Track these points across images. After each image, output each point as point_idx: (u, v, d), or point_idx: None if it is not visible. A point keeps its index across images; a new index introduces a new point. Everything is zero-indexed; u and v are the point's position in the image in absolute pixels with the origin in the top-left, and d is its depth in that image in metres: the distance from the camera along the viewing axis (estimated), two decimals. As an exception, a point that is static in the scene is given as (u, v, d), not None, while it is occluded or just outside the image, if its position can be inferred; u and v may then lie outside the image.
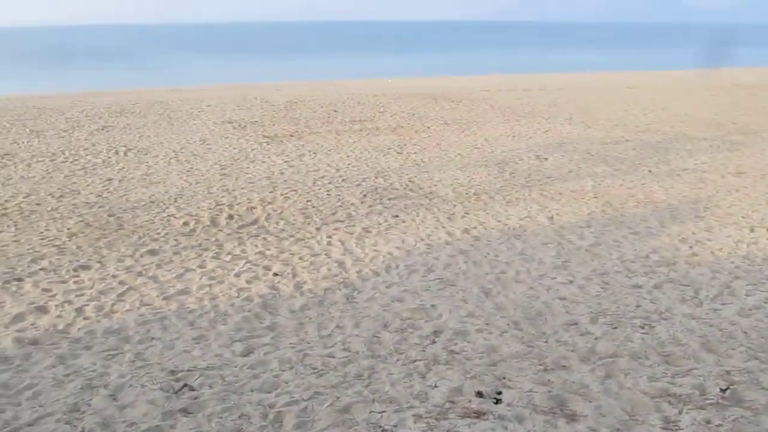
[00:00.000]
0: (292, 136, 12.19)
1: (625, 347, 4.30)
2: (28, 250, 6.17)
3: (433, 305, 4.95)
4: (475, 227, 6.85)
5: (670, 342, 4.37)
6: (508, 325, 4.64)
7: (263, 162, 9.97)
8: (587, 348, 4.29)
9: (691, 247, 6.28)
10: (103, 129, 12.96)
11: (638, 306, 4.94)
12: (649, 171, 9.41)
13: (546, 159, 10.19)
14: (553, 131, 12.71)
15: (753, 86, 21.10)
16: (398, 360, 4.14)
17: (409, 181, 8.76)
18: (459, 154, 10.58)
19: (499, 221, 7.05)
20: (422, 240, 6.45)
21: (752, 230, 6.78)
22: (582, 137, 12.08)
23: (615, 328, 4.58)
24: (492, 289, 5.26)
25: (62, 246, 6.28)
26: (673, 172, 9.33)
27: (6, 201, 7.82)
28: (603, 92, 19.50)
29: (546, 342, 4.39)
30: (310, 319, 4.74)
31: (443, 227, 6.84)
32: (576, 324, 4.65)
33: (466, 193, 8.15)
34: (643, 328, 4.58)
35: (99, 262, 5.88)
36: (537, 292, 5.20)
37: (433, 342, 4.38)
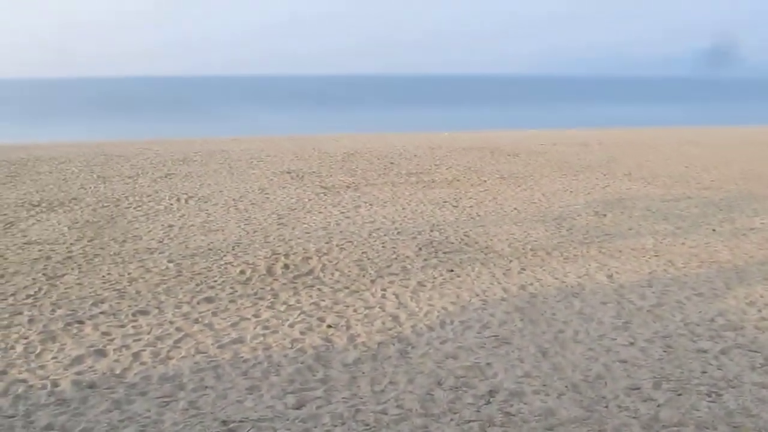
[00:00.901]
0: (348, 187, 12.32)
1: (691, 416, 4.11)
2: (89, 293, 6.33)
3: (488, 363, 4.84)
4: (531, 284, 6.73)
5: (739, 412, 4.15)
6: (566, 387, 4.49)
7: (320, 212, 10.08)
8: (650, 415, 4.11)
9: (759, 310, 6.01)
10: (166, 176, 13.37)
11: (704, 372, 4.73)
12: (713, 230, 9.12)
13: (605, 215, 10.01)
14: (611, 187, 12.52)
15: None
16: (452, 420, 4.04)
17: (465, 235, 8.70)
18: (515, 208, 10.49)
19: (556, 278, 6.91)
20: (477, 296, 6.36)
21: (826, 295, 6.46)
22: (642, 194, 11.85)
23: (679, 394, 4.39)
24: (549, 348, 5.12)
25: (122, 290, 6.42)
26: (738, 232, 9.03)
27: (71, 244, 8.07)
28: (662, 148, 19.17)
29: (606, 407, 4.22)
30: (363, 373, 4.69)
31: (499, 283, 6.74)
32: (638, 389, 4.47)
33: (523, 249, 8.04)
34: (709, 396, 4.37)
35: (157, 307, 5.98)
36: (596, 354, 5.03)
37: (488, 402, 4.27)
